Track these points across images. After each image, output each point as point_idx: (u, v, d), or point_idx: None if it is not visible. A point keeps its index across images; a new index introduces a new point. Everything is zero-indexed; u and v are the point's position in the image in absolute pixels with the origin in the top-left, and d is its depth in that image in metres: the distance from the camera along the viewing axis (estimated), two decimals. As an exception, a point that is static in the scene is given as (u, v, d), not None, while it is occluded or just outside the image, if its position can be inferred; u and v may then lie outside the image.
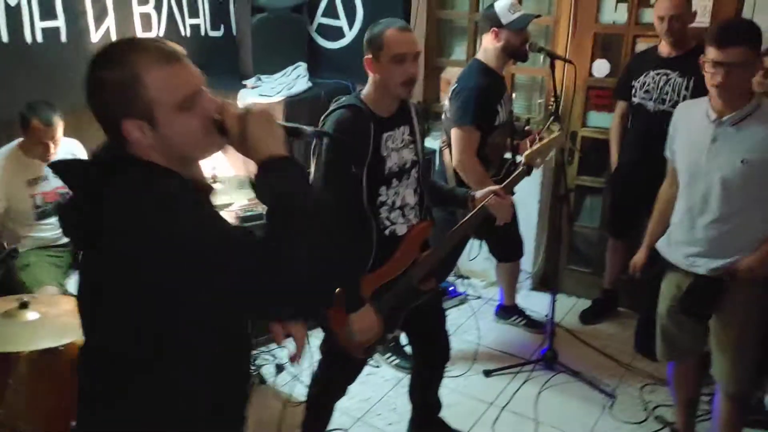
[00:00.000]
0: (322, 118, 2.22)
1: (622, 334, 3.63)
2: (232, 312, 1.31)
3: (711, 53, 2.12)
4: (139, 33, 3.44)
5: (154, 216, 1.15)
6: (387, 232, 2.29)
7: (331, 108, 2.21)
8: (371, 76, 2.22)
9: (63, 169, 1.31)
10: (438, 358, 2.70)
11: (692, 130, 2.31)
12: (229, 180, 2.93)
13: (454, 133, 3.08)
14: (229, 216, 3.37)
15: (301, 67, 4.10)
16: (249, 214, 3.39)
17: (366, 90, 2.25)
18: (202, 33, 3.87)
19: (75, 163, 1.41)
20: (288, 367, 3.26)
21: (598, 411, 3.07)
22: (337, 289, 1.93)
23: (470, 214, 2.40)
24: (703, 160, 2.25)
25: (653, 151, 2.69)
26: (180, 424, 1.33)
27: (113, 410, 1.31)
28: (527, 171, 2.53)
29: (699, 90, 2.78)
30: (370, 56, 2.18)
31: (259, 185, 1.26)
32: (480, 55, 3.18)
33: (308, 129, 1.38)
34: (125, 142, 1.23)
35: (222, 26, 4.00)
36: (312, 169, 2.15)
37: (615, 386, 3.24)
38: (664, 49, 3.35)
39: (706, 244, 2.29)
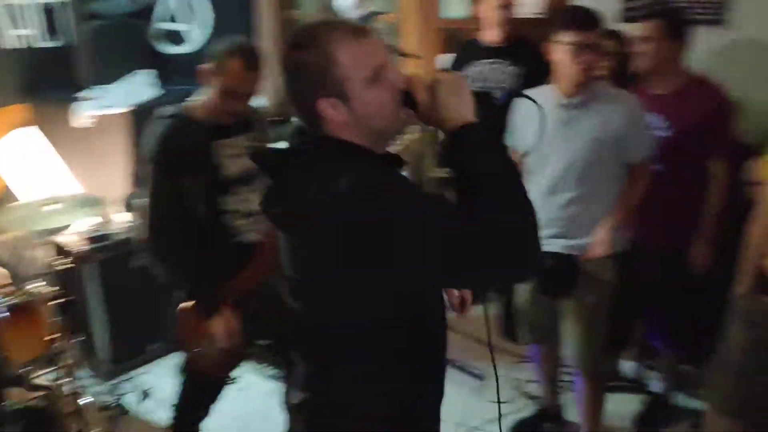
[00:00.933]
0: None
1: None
2: (442, 282, 1.35)
3: (574, 36, 2.21)
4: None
5: (363, 190, 1.18)
6: (239, 239, 2.28)
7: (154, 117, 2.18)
8: None
9: (263, 159, 1.43)
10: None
11: None
12: (68, 200, 2.68)
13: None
14: (74, 239, 3.15)
15: (147, 75, 3.91)
16: (99, 234, 3.18)
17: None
18: (32, 44, 3.60)
19: (274, 151, 1.50)
20: (151, 394, 3.13)
21: (469, 394, 3.17)
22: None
23: None
24: (556, 143, 2.33)
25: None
26: (389, 399, 1.36)
27: (328, 389, 1.37)
28: None
29: (532, 78, 2.87)
30: None
31: (453, 153, 1.27)
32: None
33: (499, 92, 1.38)
34: (319, 121, 1.27)
35: (54, 36, 3.74)
36: None
37: (484, 368, 3.33)
38: (491, 38, 3.28)
39: (562, 224, 2.39)
